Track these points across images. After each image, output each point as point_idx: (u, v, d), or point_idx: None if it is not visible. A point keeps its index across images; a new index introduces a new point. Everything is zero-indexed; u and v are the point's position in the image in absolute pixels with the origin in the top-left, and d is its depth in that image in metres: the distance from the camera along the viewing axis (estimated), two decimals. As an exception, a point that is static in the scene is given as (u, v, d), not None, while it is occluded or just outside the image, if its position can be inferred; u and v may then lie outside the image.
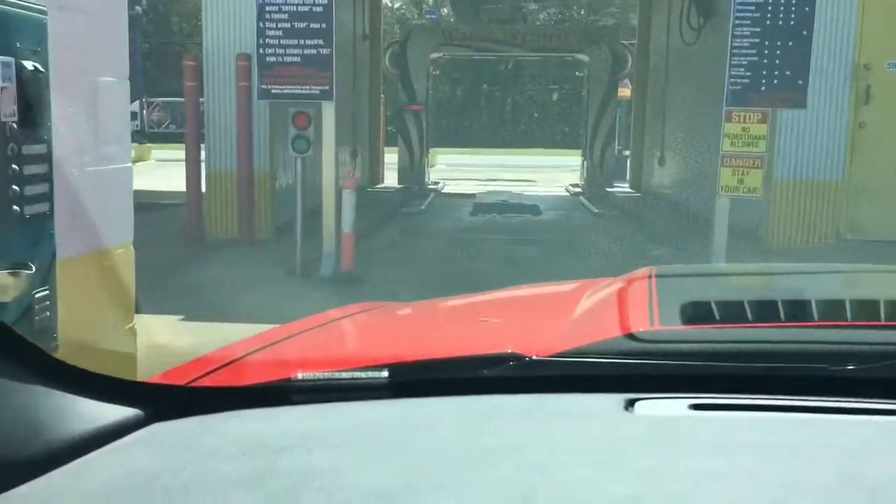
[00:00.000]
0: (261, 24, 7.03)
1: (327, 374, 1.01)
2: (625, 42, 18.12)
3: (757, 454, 0.78)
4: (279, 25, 7.01)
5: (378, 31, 18.26)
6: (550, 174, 22.32)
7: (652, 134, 16.23)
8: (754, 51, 6.91)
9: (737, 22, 6.89)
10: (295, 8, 6.98)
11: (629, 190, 17.52)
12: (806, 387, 0.92)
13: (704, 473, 0.74)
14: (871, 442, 0.81)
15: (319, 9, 6.96)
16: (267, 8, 6.97)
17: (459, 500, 0.69)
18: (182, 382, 1.02)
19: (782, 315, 1.11)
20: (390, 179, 18.19)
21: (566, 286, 1.60)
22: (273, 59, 7.04)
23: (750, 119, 6.97)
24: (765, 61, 6.91)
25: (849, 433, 0.83)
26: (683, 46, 13.25)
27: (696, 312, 1.15)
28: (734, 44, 6.94)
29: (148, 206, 11.59)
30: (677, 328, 1.10)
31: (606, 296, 1.33)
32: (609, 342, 1.03)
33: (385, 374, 0.98)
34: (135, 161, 8.76)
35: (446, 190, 17.35)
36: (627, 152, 18.48)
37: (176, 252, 7.98)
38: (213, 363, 1.10)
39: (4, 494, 0.67)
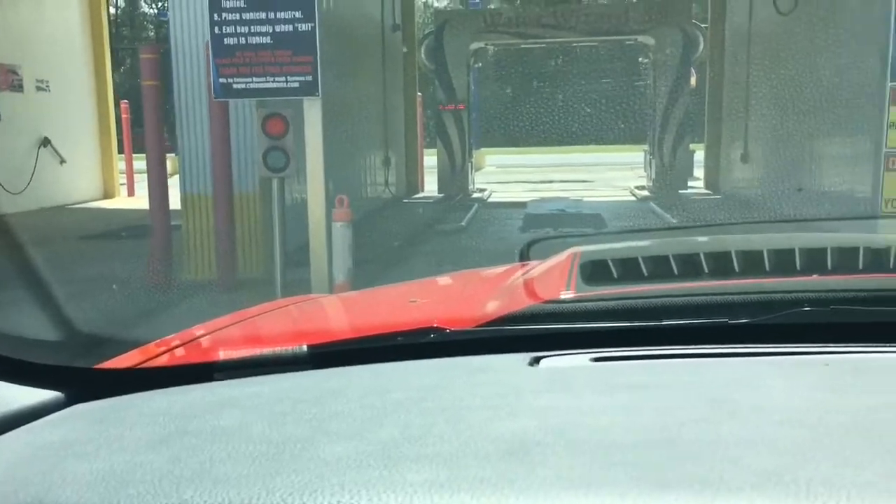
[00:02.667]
0: (214, -7, 5.01)
1: (249, 352, 1.03)
2: (696, 21, 15.74)
3: (639, 392, 0.83)
4: (240, -7, 4.98)
5: (412, 21, 16.24)
6: (609, 173, 20.14)
7: (732, 127, 13.88)
8: (934, -2, 4.64)
9: (907, -44, 4.63)
10: (261, -32, 4.94)
11: (705, 191, 15.17)
12: (698, 337, 1.00)
13: (589, 410, 0.79)
14: (741, 376, 0.88)
15: (295, -32, 4.91)
16: (222, -31, 4.94)
17: (358, 443, 0.72)
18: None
19: (677, 273, 1.20)
20: (432, 185, 16.12)
21: (499, 269, 1.61)
22: (233, 41, 5.01)
23: (930, 100, 4.71)
24: (951, 13, 4.64)
25: (723, 371, 0.91)
26: (772, 20, 10.93)
27: (601, 277, 1.23)
28: (902, -11, 4.67)
29: (121, 231, 9.90)
30: (584, 294, 1.16)
31: (532, 273, 1.38)
32: (522, 310, 1.10)
33: (305, 348, 1.01)
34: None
35: (493, 198, 15.19)
36: (693, 147, 16.12)
37: (122, 304, 6.04)
38: (150, 352, 1.11)
39: None
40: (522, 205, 13.51)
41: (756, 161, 12.69)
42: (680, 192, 14.62)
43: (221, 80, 5.10)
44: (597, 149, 28.02)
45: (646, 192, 15.11)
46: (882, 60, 4.78)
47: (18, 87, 12.04)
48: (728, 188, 14.14)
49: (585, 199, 14.79)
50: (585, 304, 1.10)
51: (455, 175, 15.48)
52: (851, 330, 0.97)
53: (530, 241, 1.58)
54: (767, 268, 1.20)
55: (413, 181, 16.06)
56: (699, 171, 16.17)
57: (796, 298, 1.01)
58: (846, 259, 1.24)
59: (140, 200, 10.88)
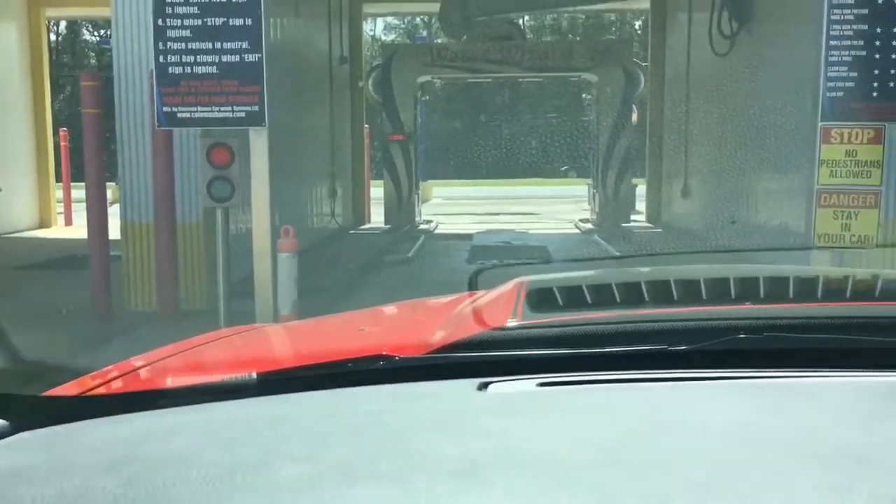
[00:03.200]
0: (159, 21, 4.96)
1: (196, 380, 1.04)
2: (637, 60, 16.16)
3: (583, 415, 0.87)
4: (185, 22, 4.95)
5: (359, 54, 16.33)
6: (555, 206, 20.41)
7: (672, 162, 14.22)
8: (861, 42, 4.85)
9: (835, 2, 4.84)
10: (208, -2, 4.92)
11: (647, 224, 15.48)
12: (640, 363, 1.03)
13: (535, 433, 0.82)
14: (680, 399, 0.92)
15: (243, -2, 4.91)
16: (168, -1, 4.90)
17: (311, 466, 0.74)
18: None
19: (619, 300, 1.26)
20: (379, 217, 16.10)
21: (447, 298, 1.64)
22: (178, 69, 4.96)
23: (858, 138, 4.89)
24: (877, 56, 4.85)
25: (662, 394, 0.94)
26: (709, 62, 11.32)
27: (547, 305, 1.27)
28: (832, 33, 4.87)
29: (68, 260, 9.63)
30: (530, 321, 1.18)
31: (479, 302, 1.42)
32: (470, 338, 1.12)
33: (254, 376, 1.01)
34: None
35: (440, 230, 15.24)
36: (635, 182, 16.48)
37: (63, 334, 5.86)
38: (95, 380, 1.11)
39: None
40: (469, 237, 13.59)
41: (695, 195, 13.00)
42: (623, 224, 14.88)
43: (166, 108, 5.04)
44: (542, 182, 28.39)
45: (590, 225, 15.35)
46: (813, 101, 4.98)
47: (-48, 113, 11.73)
48: (669, 221, 14.45)
49: (531, 231, 14.95)
50: (531, 330, 1.12)
51: (402, 206, 15.50)
52: (784, 355, 1.01)
53: (478, 270, 1.60)
54: (705, 296, 1.24)
55: (360, 212, 16.03)
56: (642, 206, 16.52)
57: (732, 326, 1.04)
58: (778, 289, 1.29)
59: (78, 230, 10.62)
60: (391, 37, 33.72)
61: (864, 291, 1.30)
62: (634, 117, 15.91)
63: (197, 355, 1.34)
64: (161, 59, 5.00)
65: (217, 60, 4.98)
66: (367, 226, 15.92)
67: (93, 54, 33.48)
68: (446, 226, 15.83)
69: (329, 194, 13.33)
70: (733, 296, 1.24)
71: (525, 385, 0.98)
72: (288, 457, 0.77)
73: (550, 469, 0.71)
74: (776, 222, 8.51)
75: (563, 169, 29.79)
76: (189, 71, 4.98)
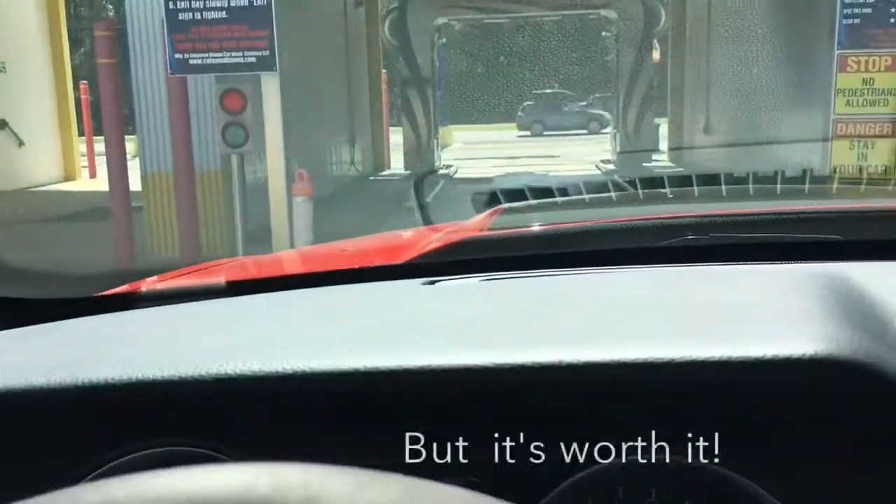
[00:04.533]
0: (167, -32, 4.96)
1: (172, 284, 1.16)
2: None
3: (503, 295, 0.98)
4: (193, -33, 4.94)
5: (374, -2, 16.13)
6: (576, 147, 20.22)
7: (694, 100, 14.01)
8: (880, -35, 4.73)
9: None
10: (214, -59, 4.89)
11: (669, 164, 15.32)
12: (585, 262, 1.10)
13: (453, 306, 0.92)
14: (595, 282, 1.01)
15: (249, -59, 4.87)
16: (174, -57, 4.88)
17: (237, 339, 0.82)
18: None
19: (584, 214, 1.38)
20: (399, 163, 16.09)
21: (429, 226, 1.78)
22: (188, 15, 4.96)
23: (875, 66, 4.79)
24: (896, -20, 4.73)
25: (583, 281, 1.03)
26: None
27: (514, 222, 1.38)
28: (849, -43, 4.76)
29: (92, 212, 9.76)
30: (486, 233, 1.30)
31: (454, 225, 1.49)
32: (432, 248, 1.20)
33: (223, 280, 1.11)
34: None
35: (459, 174, 15.21)
36: (658, 121, 16.26)
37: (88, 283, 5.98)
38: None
39: None
40: (489, 180, 13.56)
41: (717, 133, 12.84)
42: (644, 164, 14.75)
43: (177, 55, 5.07)
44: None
45: (611, 166, 15.23)
46: (830, 29, 4.88)
47: (-27, 69, 11.81)
48: (691, 159, 14.30)
49: (551, 173, 14.88)
50: (486, 237, 1.21)
51: (421, 152, 15.47)
52: (725, 251, 1.09)
53: (421, 175, 1.68)
54: (643, 198, 1.35)
55: (379, 158, 16.02)
56: (665, 145, 16.32)
57: (682, 225, 1.12)
58: (718, 190, 1.37)
59: (102, 182, 10.76)
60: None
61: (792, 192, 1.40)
62: (656, 55, 15.63)
63: (184, 273, 1.42)
64: (171, 4, 5.01)
65: (226, 5, 4.98)
66: (386, 172, 15.92)
67: (110, 6, 33.33)
68: (466, 170, 15.79)
69: (348, 141, 13.33)
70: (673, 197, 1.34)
71: (469, 281, 1.05)
72: (220, 332, 0.86)
73: (453, 328, 0.80)
74: (796, 155, 8.42)
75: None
76: (199, 17, 4.98)
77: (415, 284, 1.04)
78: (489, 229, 1.28)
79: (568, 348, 0.70)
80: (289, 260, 1.59)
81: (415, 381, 0.69)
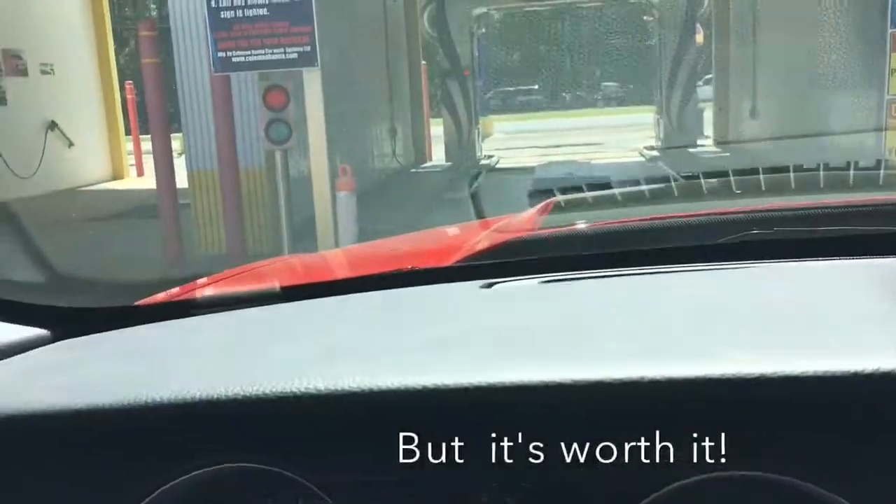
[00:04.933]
0: (208, -33, 4.99)
1: (225, 290, 1.15)
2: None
3: (565, 299, 0.96)
4: (234, -35, 4.97)
5: (413, -11, 16.10)
6: (619, 135, 19.99)
7: (740, 82, 13.73)
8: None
9: None
10: (254, -61, 4.91)
11: (714, 148, 15.06)
12: (655, 261, 1.05)
13: (517, 312, 0.90)
14: (660, 286, 0.97)
15: (288, -63, 4.88)
16: (215, -58, 4.92)
17: (301, 348, 0.82)
18: None
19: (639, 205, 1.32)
20: (440, 154, 16.08)
21: (476, 223, 1.71)
22: (230, 14, 5.00)
23: (933, 45, 4.64)
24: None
25: (646, 283, 0.99)
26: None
27: (567, 217, 1.34)
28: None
29: (140, 210, 9.93)
30: (542, 230, 1.27)
31: (504, 222, 1.46)
32: (486, 248, 1.20)
33: (277, 286, 1.09)
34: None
35: (501, 164, 15.15)
36: (702, 105, 15.98)
37: (140, 277, 6.08)
38: (150, 300, 1.17)
39: None
40: (531, 170, 13.47)
41: (764, 115, 12.58)
42: (689, 150, 14.52)
43: (220, 53, 5.11)
44: (606, 111, 27.80)
45: (655, 152, 15.02)
46: (882, 7, 4.72)
47: (23, 72, 12.07)
48: (737, 145, 14.03)
49: (594, 161, 14.72)
50: (541, 236, 1.19)
51: (462, 143, 15.43)
52: (792, 246, 1.04)
53: (475, 174, 1.65)
54: (705, 192, 1.29)
55: (420, 150, 16.02)
56: (710, 130, 16.05)
57: (745, 220, 1.08)
58: (784, 182, 1.31)
59: (149, 180, 10.95)
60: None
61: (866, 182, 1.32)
62: (699, 37, 15.36)
63: (235, 275, 1.42)
64: (213, 3, 5.05)
65: (267, 2, 5.00)
66: (428, 164, 15.91)
67: (153, 5, 33.83)
68: (508, 160, 15.71)
69: (389, 133, 13.35)
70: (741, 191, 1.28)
71: (528, 283, 1.03)
72: (283, 341, 0.85)
73: (519, 336, 0.78)
74: (848, 138, 8.20)
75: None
76: (241, 14, 5.01)
77: (472, 288, 1.01)
78: (542, 227, 1.24)
79: (647, 361, 0.67)
80: (339, 261, 1.58)
81: (489, 397, 0.66)
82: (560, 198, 1.49)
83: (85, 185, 13.19)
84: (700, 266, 1.00)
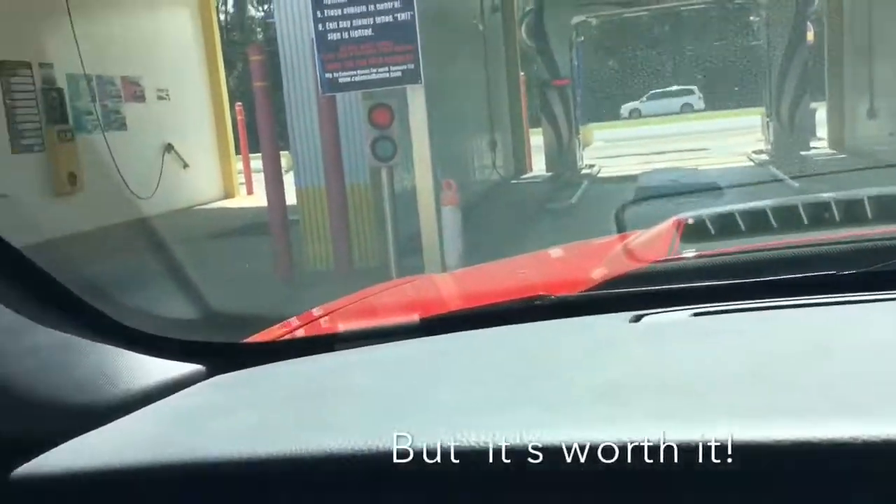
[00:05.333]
0: (315, -9, 5.13)
1: (366, 324, 1.13)
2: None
3: (734, 339, 0.87)
4: (340, -11, 5.09)
5: (510, 2, 16.11)
6: (726, 140, 19.39)
7: (855, 80, 13.10)
8: None
9: None
10: (359, -38, 5.02)
11: (830, 151, 14.40)
12: (797, 289, 0.99)
13: (683, 356, 0.83)
14: (834, 321, 0.89)
15: (392, -42, 4.97)
16: (322, -33, 5.05)
17: (464, 394, 0.79)
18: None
19: (775, 228, 1.24)
20: (540, 165, 15.99)
21: (603, 239, 1.65)
22: (336, 36, 5.12)
23: None
24: None
25: (817, 318, 0.92)
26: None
27: (703, 238, 1.26)
28: None
29: (251, 227, 10.28)
30: (685, 255, 1.18)
31: (634, 241, 1.42)
32: (624, 273, 1.13)
33: (417, 318, 1.09)
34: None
35: (603, 173, 14.95)
36: (813, 106, 15.29)
37: (253, 295, 6.30)
38: (279, 330, 1.21)
39: (82, 436, 0.78)
40: (634, 178, 13.22)
41: (883, 115, 11.95)
42: (802, 153, 13.93)
43: (327, 75, 5.24)
44: (712, 115, 27.04)
45: (765, 157, 14.49)
46: None
47: (141, 98, 12.73)
48: (854, 146, 13.37)
49: (700, 167, 14.32)
50: (685, 263, 1.12)
51: (562, 152, 15.30)
52: None
53: (623, 205, 1.59)
54: (870, 216, 1.19)
55: (521, 161, 15.99)
56: (823, 131, 15.37)
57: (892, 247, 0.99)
58: None
59: (259, 198, 11.33)
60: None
61: None
62: (809, 35, 14.74)
63: (367, 304, 1.42)
64: (320, 26, 5.18)
65: (371, 23, 5.09)
66: (528, 175, 15.86)
67: (259, 29, 35.12)
68: (610, 169, 15.48)
69: (489, 145, 13.37)
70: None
71: (679, 316, 0.97)
72: (446, 386, 0.82)
73: (695, 388, 0.71)
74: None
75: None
76: (346, 36, 5.13)
77: (620, 322, 0.96)
78: (680, 250, 1.19)
79: (862, 418, 0.59)
80: (468, 286, 1.55)
81: (666, 456, 0.61)
82: (687, 215, 1.43)
83: (199, 203, 13.77)
84: (866, 295, 0.92)
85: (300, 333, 1.21)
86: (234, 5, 33.75)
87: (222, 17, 26.93)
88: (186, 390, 0.93)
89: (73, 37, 11.00)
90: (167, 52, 13.31)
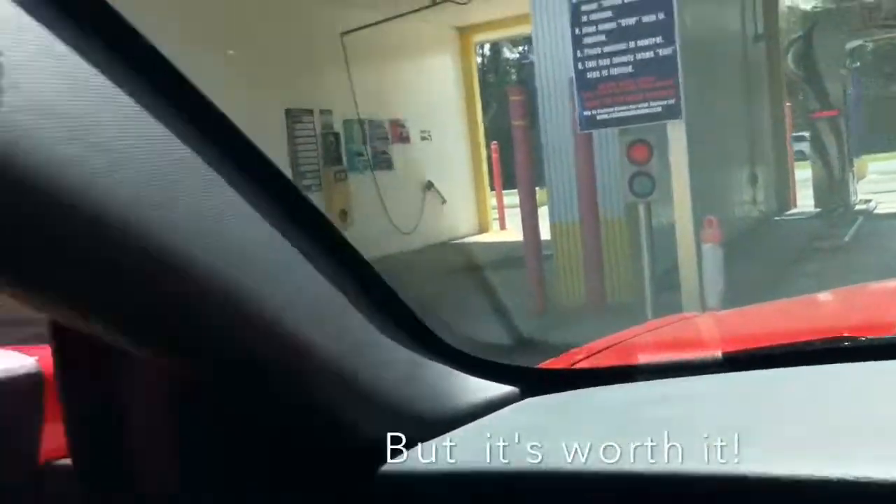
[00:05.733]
0: (576, 31, 5.25)
1: (667, 357, 1.13)
2: None
3: None
4: (600, 28, 5.18)
5: (775, 30, 15.29)
6: None
7: None
8: None
9: None
10: (620, 0, 5.08)
11: None
12: None
13: None
14: None
15: (654, -6, 4.97)
16: (583, 7, 5.17)
17: (808, 427, 0.78)
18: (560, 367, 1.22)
19: None
20: (806, 200, 14.91)
21: None
22: (595, 74, 5.20)
23: None
24: None
25: None
26: None
27: None
28: None
29: (505, 261, 10.58)
30: None
31: None
32: None
33: (720, 354, 1.08)
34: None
35: (881, 209, 13.63)
36: None
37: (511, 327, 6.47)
38: (576, 356, 1.26)
39: (427, 442, 0.88)
40: (918, 215, 11.92)
41: None
42: None
43: (586, 112, 5.33)
44: None
45: None
46: None
47: (406, 139, 13.67)
48: None
49: None
50: None
51: (833, 186, 14.17)
52: None
53: None
54: None
55: (784, 197, 15.02)
56: None
57: None
58: None
59: (511, 233, 11.66)
60: (810, 4, 30.99)
61: None
62: None
63: (662, 335, 1.43)
64: (580, 65, 5.29)
65: (631, 59, 5.12)
66: (792, 211, 14.84)
67: (513, 70, 36.30)
68: (889, 204, 14.07)
69: (749, 180, 12.73)
70: None
71: None
72: (785, 420, 0.82)
73: None
74: None
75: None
76: (606, 74, 5.19)
77: None
78: None
79: None
80: (764, 323, 1.52)
81: None
82: None
83: (455, 238, 14.44)
84: None
85: (599, 361, 1.25)
86: (491, 49, 35.22)
87: (479, 59, 28.21)
88: (507, 409, 0.99)
89: (349, 84, 12.12)
90: (430, 96, 14.20)
